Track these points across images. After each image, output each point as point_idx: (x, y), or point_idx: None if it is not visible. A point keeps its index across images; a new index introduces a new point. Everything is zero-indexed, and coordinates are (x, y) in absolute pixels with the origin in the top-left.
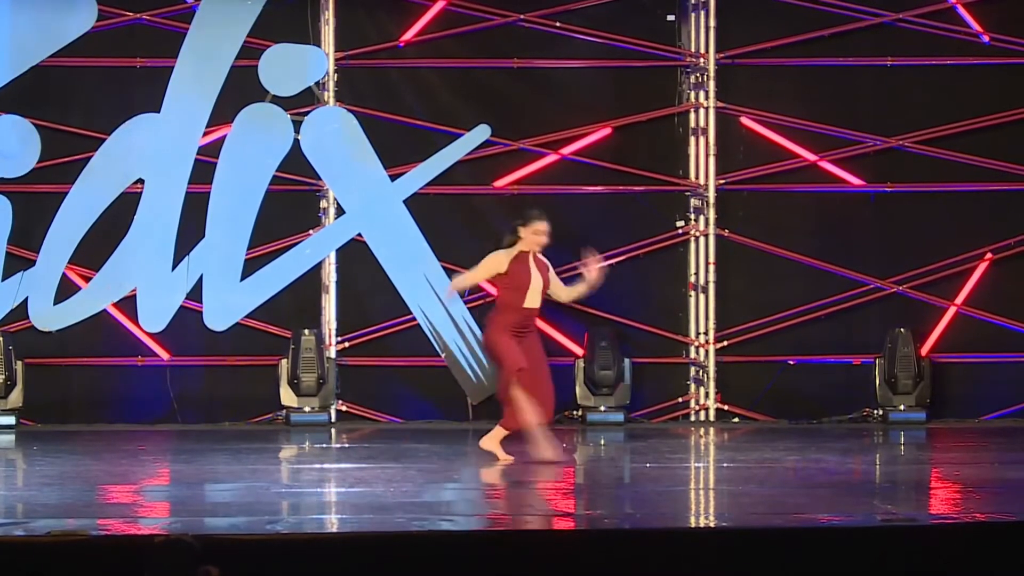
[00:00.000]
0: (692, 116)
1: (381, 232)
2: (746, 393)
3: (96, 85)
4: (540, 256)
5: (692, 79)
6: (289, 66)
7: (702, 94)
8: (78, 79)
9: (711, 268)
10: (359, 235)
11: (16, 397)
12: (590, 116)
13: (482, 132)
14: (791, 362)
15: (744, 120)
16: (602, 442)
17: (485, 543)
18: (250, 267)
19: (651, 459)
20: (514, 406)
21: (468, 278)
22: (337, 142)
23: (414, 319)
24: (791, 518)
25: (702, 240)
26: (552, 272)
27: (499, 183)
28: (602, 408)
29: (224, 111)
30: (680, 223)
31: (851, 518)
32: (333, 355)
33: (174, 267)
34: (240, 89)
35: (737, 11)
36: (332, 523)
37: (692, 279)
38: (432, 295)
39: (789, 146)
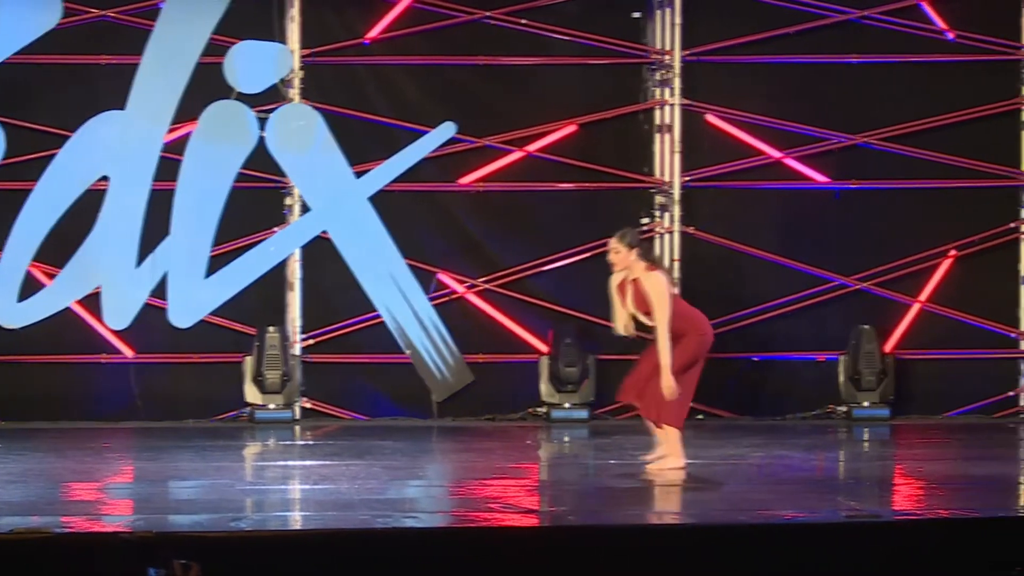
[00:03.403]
0: (657, 113)
1: (346, 229)
2: (710, 389)
3: (61, 82)
4: (642, 281)
5: (657, 76)
6: (255, 63)
7: (667, 91)
8: (43, 76)
9: (676, 265)
10: (324, 232)
11: None
12: (556, 113)
13: (447, 129)
14: (755, 358)
15: (709, 117)
16: (567, 439)
17: (449, 540)
18: (215, 264)
19: (615, 456)
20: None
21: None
22: (302, 139)
23: (379, 316)
24: (755, 515)
25: (667, 237)
26: (650, 302)
27: (465, 180)
28: (567, 405)
29: (189, 108)
30: (645, 220)
31: (815, 514)
32: (298, 352)
33: (138, 264)
34: (205, 86)
35: (703, 8)
36: (296, 520)
37: None
38: (397, 292)
39: (754, 143)
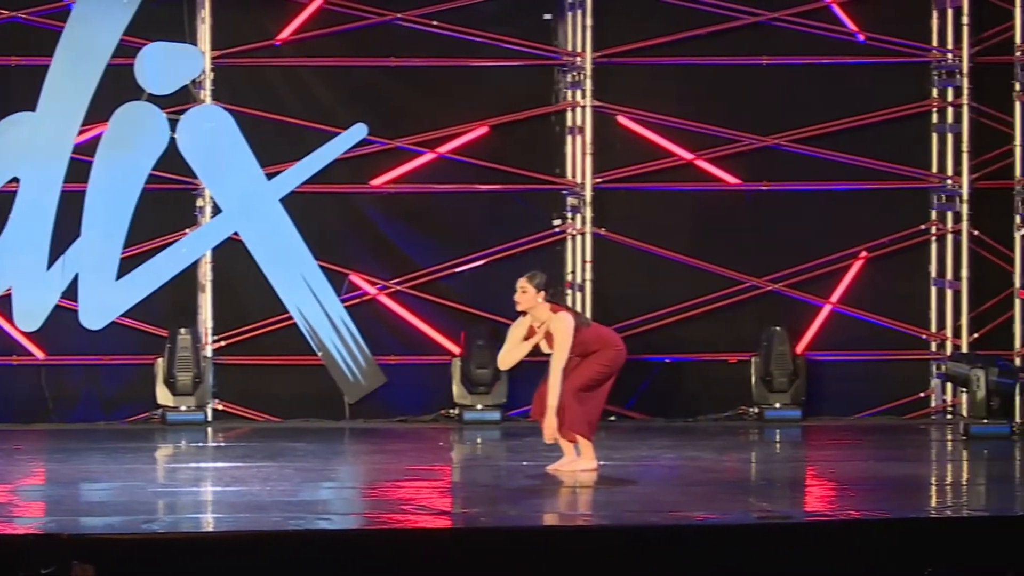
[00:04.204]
0: (569, 115)
1: (257, 231)
2: (623, 391)
3: None
4: (549, 323)
5: (569, 78)
6: (165, 64)
7: (579, 93)
8: None
9: (588, 267)
10: (235, 234)
11: None
12: (467, 115)
13: (358, 131)
14: (667, 360)
15: (620, 119)
16: (479, 441)
17: (362, 542)
18: (126, 266)
19: (527, 457)
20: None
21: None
22: (213, 141)
23: (290, 318)
24: (667, 516)
25: (579, 239)
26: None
27: (376, 182)
28: (479, 407)
29: (100, 109)
30: (557, 221)
31: (727, 516)
32: (209, 354)
33: (49, 266)
34: (116, 87)
35: (614, 10)
36: (208, 522)
37: (569, 277)
38: (309, 294)
39: (666, 145)
